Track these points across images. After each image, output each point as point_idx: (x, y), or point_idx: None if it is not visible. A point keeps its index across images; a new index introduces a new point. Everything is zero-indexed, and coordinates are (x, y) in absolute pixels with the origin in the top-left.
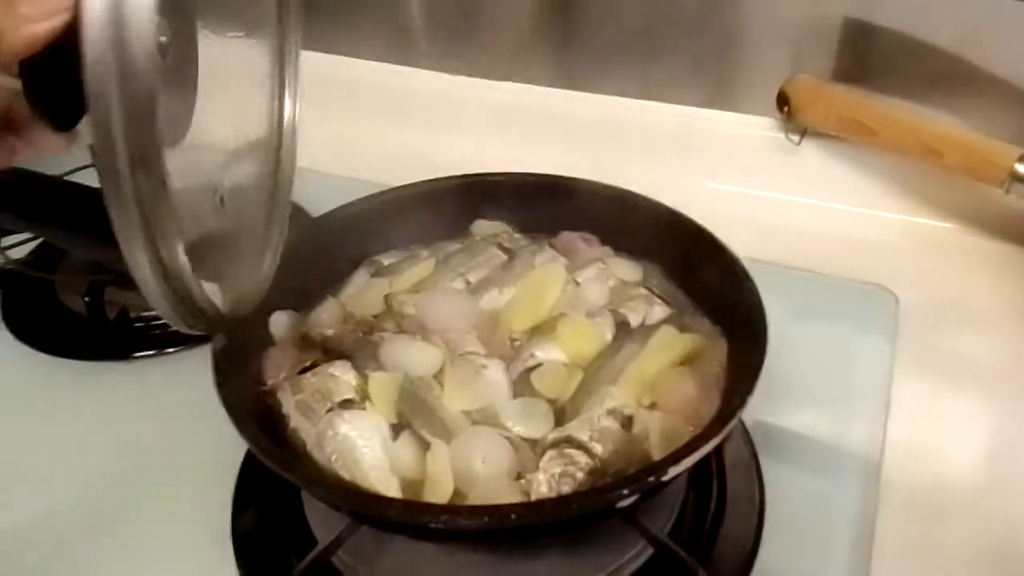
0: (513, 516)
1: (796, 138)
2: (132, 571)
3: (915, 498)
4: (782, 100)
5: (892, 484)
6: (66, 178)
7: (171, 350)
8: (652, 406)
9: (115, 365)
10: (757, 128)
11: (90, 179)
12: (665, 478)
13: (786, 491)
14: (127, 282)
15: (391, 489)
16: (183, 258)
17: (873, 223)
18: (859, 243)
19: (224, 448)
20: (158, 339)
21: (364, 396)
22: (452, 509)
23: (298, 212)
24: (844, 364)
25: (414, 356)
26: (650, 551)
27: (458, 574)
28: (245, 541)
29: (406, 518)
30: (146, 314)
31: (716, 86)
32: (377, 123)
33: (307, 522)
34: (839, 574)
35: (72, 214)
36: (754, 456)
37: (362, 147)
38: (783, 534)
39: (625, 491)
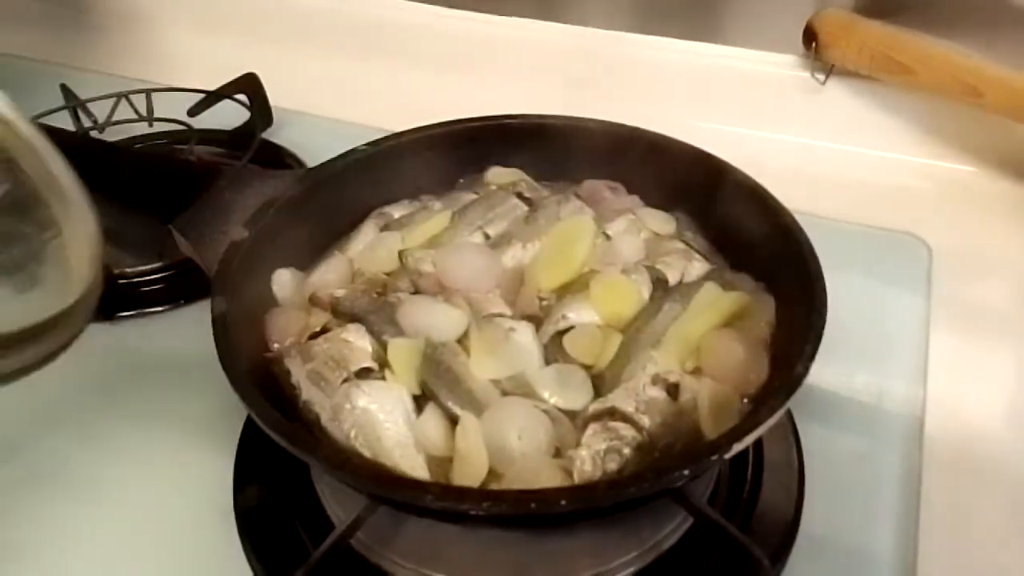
0: (563, 502)
1: (821, 77)
2: (125, 550)
3: (961, 453)
4: (809, 36)
5: (936, 441)
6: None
7: (157, 309)
8: (696, 371)
9: (97, 325)
10: (779, 66)
11: (63, 121)
12: (728, 455)
13: (826, 453)
14: (111, 238)
15: (417, 468)
16: None
17: (903, 168)
18: (888, 189)
19: (217, 413)
20: (143, 298)
21: (383, 364)
22: (495, 495)
23: (290, 159)
24: (878, 318)
25: (436, 319)
26: (688, 523)
27: (483, 552)
28: (250, 517)
29: (444, 506)
30: (130, 271)
31: (734, 20)
32: (364, 61)
33: (316, 494)
34: (888, 536)
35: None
36: (790, 418)
37: (348, 87)
38: (826, 498)
39: (686, 472)
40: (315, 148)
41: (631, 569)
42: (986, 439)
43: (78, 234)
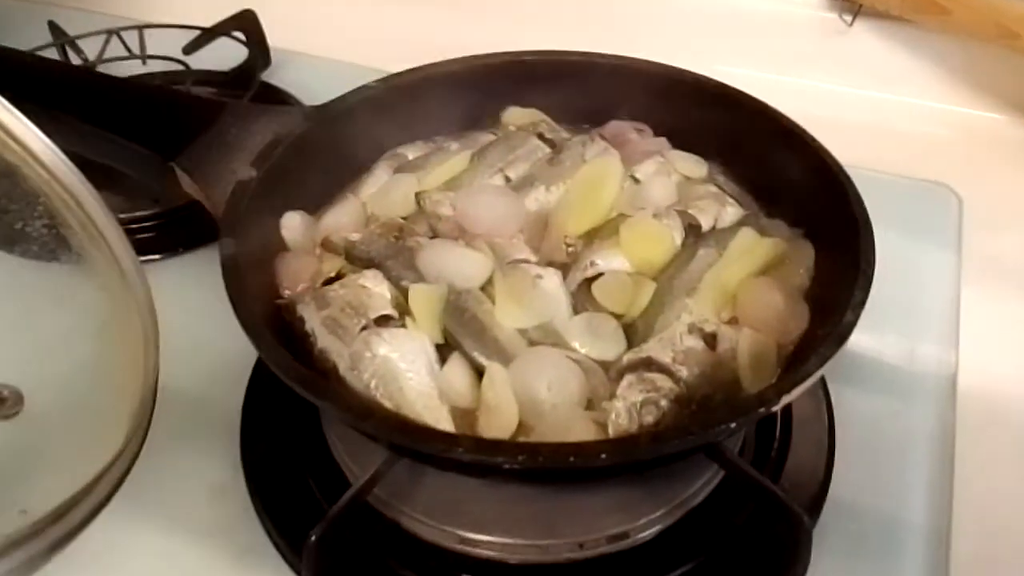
0: (603, 455)
1: (848, 18)
2: (129, 513)
3: (995, 413)
4: None
5: (969, 400)
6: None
7: (153, 257)
8: (732, 321)
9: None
10: (803, 6)
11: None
12: (776, 408)
13: (856, 415)
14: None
15: (441, 421)
16: None
17: (932, 115)
18: (916, 137)
19: (218, 365)
20: (137, 245)
21: (403, 312)
22: (531, 448)
23: (291, 101)
24: (907, 273)
25: (458, 264)
26: (718, 479)
27: (506, 508)
28: (260, 476)
29: (477, 459)
30: (124, 216)
31: None
32: None
33: (328, 449)
34: (921, 498)
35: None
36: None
37: (349, 26)
38: (857, 461)
39: (733, 424)
40: (315, 90)
41: (658, 526)
42: (1021, 398)
43: (127, 308)
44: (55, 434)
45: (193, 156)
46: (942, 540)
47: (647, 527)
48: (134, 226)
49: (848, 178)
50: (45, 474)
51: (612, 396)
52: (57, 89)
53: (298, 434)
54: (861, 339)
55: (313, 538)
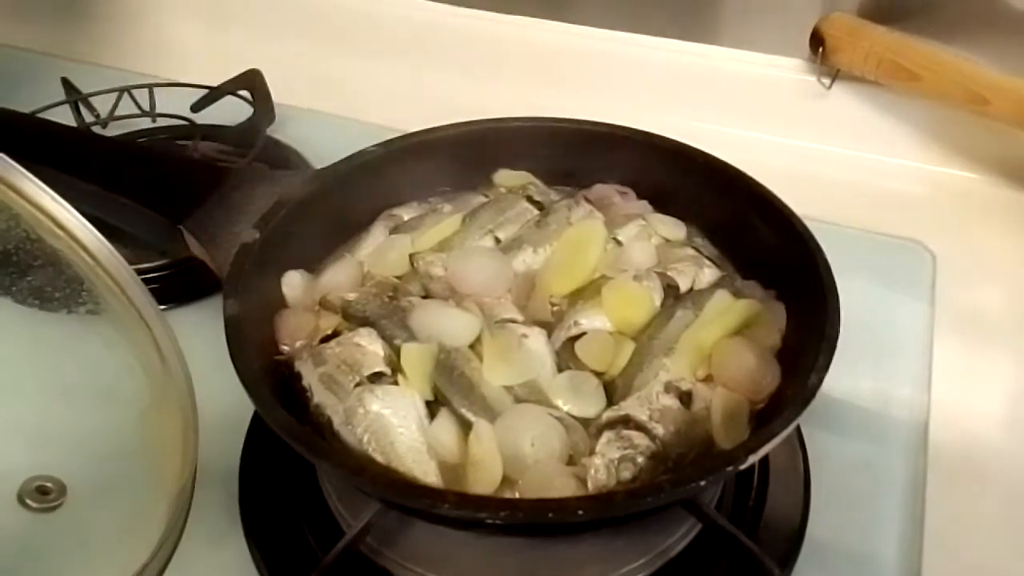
0: (581, 512)
1: (827, 81)
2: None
3: (966, 460)
4: (816, 40)
5: (940, 447)
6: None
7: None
8: (707, 379)
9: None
10: (784, 69)
11: (64, 116)
12: (743, 467)
13: (830, 460)
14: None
15: (429, 474)
16: None
17: (907, 174)
18: (891, 195)
19: (218, 414)
20: None
21: (395, 369)
22: (513, 504)
23: (294, 157)
24: (882, 324)
25: (449, 324)
26: (696, 530)
27: (491, 557)
28: (257, 522)
29: (462, 514)
30: (136, 267)
31: (741, 23)
32: (367, 58)
33: (323, 497)
34: (893, 542)
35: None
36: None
37: (351, 84)
38: (831, 505)
39: (703, 483)
40: (318, 146)
41: None
42: (990, 445)
43: (168, 395)
44: (97, 525)
45: (200, 219)
46: None
47: None
48: (143, 277)
49: (818, 246)
50: (88, 569)
51: (592, 452)
52: (72, 154)
53: (294, 483)
54: (837, 387)
55: None
